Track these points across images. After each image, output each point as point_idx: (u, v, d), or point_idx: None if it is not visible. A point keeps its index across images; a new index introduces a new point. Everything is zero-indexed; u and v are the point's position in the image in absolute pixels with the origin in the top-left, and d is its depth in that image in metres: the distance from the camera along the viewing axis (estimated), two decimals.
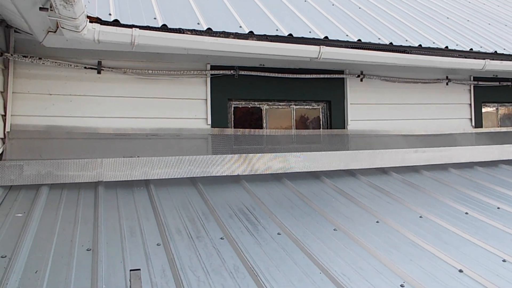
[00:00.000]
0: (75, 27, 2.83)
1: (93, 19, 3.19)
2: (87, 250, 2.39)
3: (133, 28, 3.33)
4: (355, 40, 4.23)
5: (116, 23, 3.32)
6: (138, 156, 3.70)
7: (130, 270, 1.99)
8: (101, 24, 3.22)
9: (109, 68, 3.85)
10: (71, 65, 3.69)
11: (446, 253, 2.65)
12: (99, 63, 3.83)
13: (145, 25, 3.45)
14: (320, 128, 4.79)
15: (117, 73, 3.90)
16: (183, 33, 3.56)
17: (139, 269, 2.01)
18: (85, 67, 3.77)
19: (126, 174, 3.52)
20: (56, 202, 3.04)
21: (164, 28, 3.51)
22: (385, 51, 4.29)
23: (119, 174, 3.49)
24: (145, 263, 2.32)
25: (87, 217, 2.82)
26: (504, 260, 2.61)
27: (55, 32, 3.12)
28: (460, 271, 2.44)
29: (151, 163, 3.63)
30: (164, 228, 2.74)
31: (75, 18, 2.64)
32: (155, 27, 3.48)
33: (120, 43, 3.36)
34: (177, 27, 3.58)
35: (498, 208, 3.55)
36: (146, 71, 3.99)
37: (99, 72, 3.82)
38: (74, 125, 3.72)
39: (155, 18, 3.68)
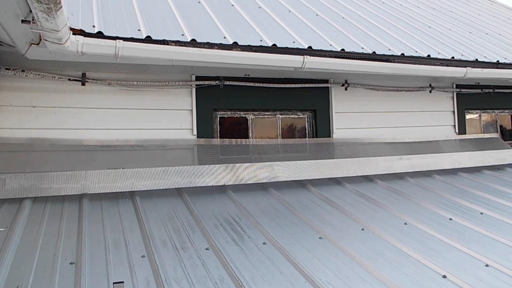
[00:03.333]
0: (58, 39, 2.83)
1: (76, 31, 3.20)
2: (70, 263, 2.37)
3: (117, 40, 3.34)
4: (339, 49, 4.28)
5: (99, 35, 3.33)
6: (123, 168, 3.69)
7: (114, 283, 1.98)
8: (84, 36, 3.23)
9: (94, 80, 3.85)
10: (54, 77, 3.68)
11: (430, 259, 2.68)
12: (83, 75, 3.82)
13: (129, 36, 3.46)
14: (305, 137, 4.82)
15: (102, 85, 3.90)
16: (168, 44, 3.58)
17: (123, 282, 2.00)
18: (69, 79, 3.76)
19: (111, 186, 3.50)
20: (39, 216, 3.00)
21: (148, 40, 3.53)
22: (368, 60, 4.35)
23: (104, 186, 3.46)
24: (129, 275, 2.30)
25: (71, 230, 2.79)
26: (487, 265, 2.64)
27: (38, 44, 3.12)
28: (444, 276, 2.47)
29: (137, 175, 3.61)
30: (149, 240, 2.72)
31: (57, 31, 2.64)
32: (139, 39, 3.50)
33: (104, 55, 3.37)
34: (162, 38, 3.60)
35: (481, 213, 3.60)
36: (131, 82, 3.99)
37: (83, 84, 3.82)
38: (58, 137, 3.69)
39: (139, 30, 3.69)
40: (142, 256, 2.53)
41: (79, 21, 3.49)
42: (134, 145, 4.02)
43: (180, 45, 3.62)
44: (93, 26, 3.47)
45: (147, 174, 3.63)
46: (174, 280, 2.30)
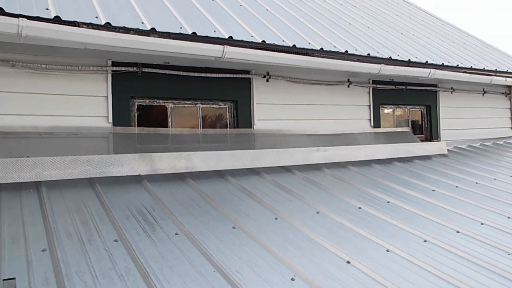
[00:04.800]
0: None
1: None
2: None
3: (20, 18, 3.09)
4: (260, 41, 4.31)
5: (0, 11, 3.05)
6: (28, 156, 3.43)
7: (3, 280, 1.84)
8: None
9: None
10: None
11: (337, 246, 2.79)
12: None
13: (35, 15, 3.22)
14: (227, 128, 4.81)
15: (5, 66, 3.59)
16: (79, 26, 3.39)
17: (14, 278, 1.86)
18: None
19: (13, 176, 3.24)
20: None
21: (57, 20, 3.31)
22: (288, 53, 4.43)
23: (4, 176, 3.20)
24: (26, 271, 2.15)
25: None
26: (387, 250, 2.81)
27: None
28: (348, 262, 2.58)
29: (43, 164, 3.38)
30: (52, 233, 2.56)
31: None
32: (46, 18, 3.27)
33: (5, 34, 3.10)
34: (72, 19, 3.39)
35: (388, 202, 3.82)
36: (39, 65, 3.72)
37: None
38: None
39: (47, 9, 3.45)
40: (42, 250, 2.37)
41: None
42: (43, 133, 3.76)
43: (93, 28, 3.43)
44: None
45: (55, 163, 3.41)
46: (76, 274, 2.19)
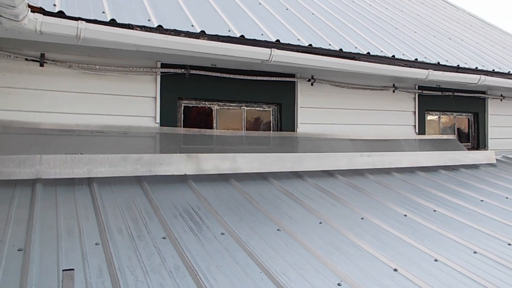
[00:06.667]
0: (15, 16, 2.70)
1: (35, 9, 3.06)
2: (18, 250, 2.28)
3: (79, 21, 3.23)
4: (306, 44, 4.31)
5: (61, 14, 3.21)
6: (81, 153, 3.58)
7: (63, 270, 1.92)
8: (44, 14, 3.10)
9: (53, 61, 3.71)
10: (10, 56, 3.52)
11: (383, 253, 2.75)
12: (42, 55, 3.67)
13: (92, 18, 3.35)
14: (270, 130, 4.84)
15: (62, 67, 3.76)
16: (133, 29, 3.49)
17: (73, 269, 1.95)
18: (26, 59, 3.60)
19: (67, 171, 3.39)
20: None
21: (112, 23, 3.43)
22: (335, 57, 4.40)
23: (59, 171, 3.35)
24: (81, 263, 2.25)
25: (21, 216, 2.69)
26: (436, 260, 2.74)
27: None
28: (395, 270, 2.54)
29: (95, 161, 3.51)
30: (104, 227, 2.66)
31: (13, 6, 2.53)
32: (103, 21, 3.40)
33: (65, 36, 3.24)
34: (127, 22, 3.51)
35: (434, 210, 3.72)
36: (93, 66, 3.88)
37: (41, 65, 3.67)
38: (13, 119, 3.54)
39: (103, 12, 3.58)
40: (96, 244, 2.47)
41: None
42: (94, 131, 3.91)
43: (146, 31, 3.54)
44: (54, 5, 3.33)
45: (106, 161, 3.54)
46: (128, 268, 2.26)
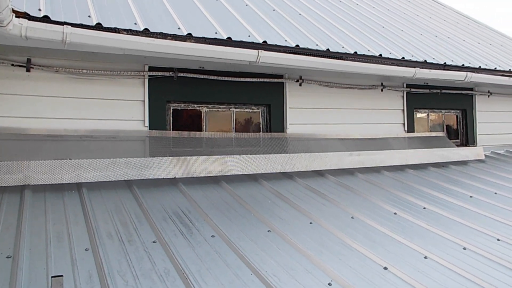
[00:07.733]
0: None
1: (20, 14, 3.05)
2: (6, 257, 2.26)
3: (65, 26, 3.21)
4: (293, 45, 4.32)
5: (46, 19, 3.19)
6: (70, 159, 3.56)
7: (52, 277, 1.91)
8: (29, 19, 3.08)
9: (40, 66, 3.68)
10: None
11: (373, 251, 2.77)
12: (29, 60, 3.65)
13: (78, 22, 3.34)
14: (260, 131, 4.84)
15: (49, 72, 3.74)
16: (119, 32, 3.49)
17: (62, 275, 1.93)
18: (12, 65, 3.58)
19: (56, 177, 3.37)
20: None
21: (98, 27, 3.42)
22: (322, 57, 4.42)
23: (48, 177, 3.33)
24: (71, 269, 2.23)
25: (10, 222, 2.67)
26: (425, 257, 2.76)
27: None
28: (385, 268, 2.56)
29: (84, 166, 3.49)
30: (94, 233, 2.65)
31: None
32: (88, 25, 3.38)
33: (51, 41, 3.23)
34: (113, 26, 3.50)
35: (424, 208, 3.76)
36: (80, 70, 3.86)
37: (28, 70, 3.64)
38: (0, 125, 3.51)
39: (89, 16, 3.57)
40: (85, 249, 2.45)
41: (24, 3, 3.32)
42: (83, 136, 3.89)
43: (132, 34, 3.53)
44: (39, 10, 3.31)
45: (95, 166, 3.53)
46: (118, 273, 2.25)
